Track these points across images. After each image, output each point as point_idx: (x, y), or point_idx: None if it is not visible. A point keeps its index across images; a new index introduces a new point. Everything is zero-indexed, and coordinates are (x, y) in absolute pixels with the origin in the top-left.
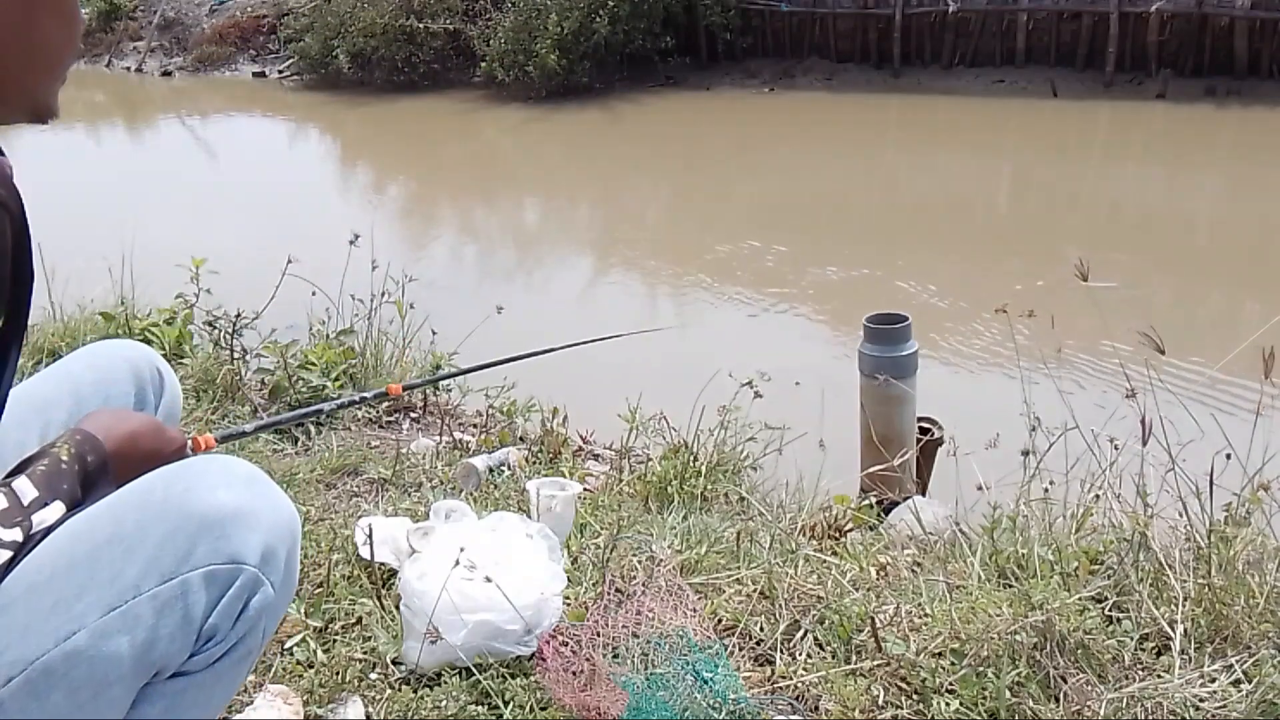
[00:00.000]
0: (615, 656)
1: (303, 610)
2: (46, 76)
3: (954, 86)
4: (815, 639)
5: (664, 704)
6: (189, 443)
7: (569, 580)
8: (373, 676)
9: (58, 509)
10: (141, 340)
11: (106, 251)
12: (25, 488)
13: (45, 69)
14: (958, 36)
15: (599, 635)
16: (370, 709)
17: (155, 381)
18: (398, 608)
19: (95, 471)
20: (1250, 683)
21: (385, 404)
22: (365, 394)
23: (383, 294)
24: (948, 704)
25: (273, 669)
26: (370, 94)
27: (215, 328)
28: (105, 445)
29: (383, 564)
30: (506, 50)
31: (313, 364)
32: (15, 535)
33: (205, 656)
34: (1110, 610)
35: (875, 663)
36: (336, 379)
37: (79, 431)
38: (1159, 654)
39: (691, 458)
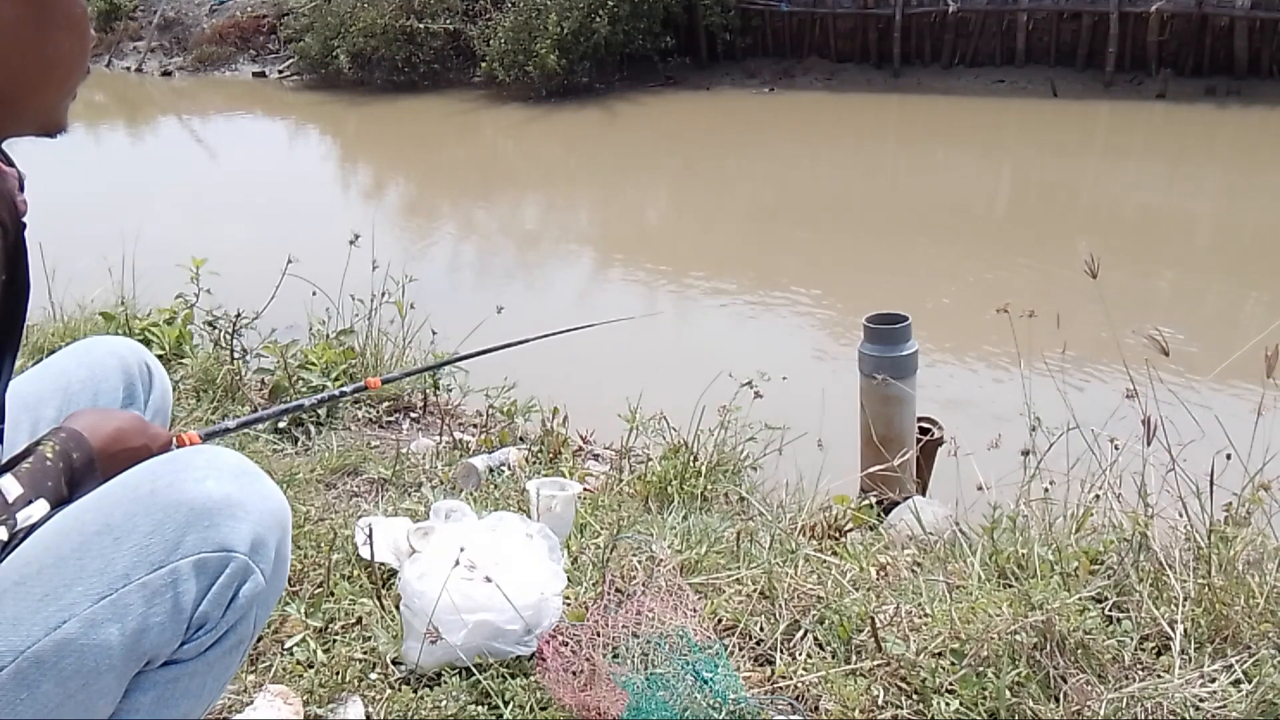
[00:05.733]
0: (615, 656)
1: (303, 610)
2: (59, 92)
3: (954, 86)
4: (815, 639)
5: (664, 704)
6: (174, 440)
7: (569, 580)
8: (373, 676)
9: (42, 506)
10: (141, 340)
11: (106, 251)
12: (10, 485)
13: (58, 84)
14: (958, 36)
15: (599, 635)
16: (370, 709)
17: (144, 377)
18: (398, 608)
19: (81, 469)
20: (1250, 683)
21: (385, 404)
22: (345, 389)
23: (383, 294)
24: (948, 704)
25: (273, 669)
26: (370, 94)
27: (215, 328)
28: (91, 443)
29: (383, 564)
30: (506, 50)
31: (313, 364)
32: (0, 533)
33: (196, 645)
34: (1110, 610)
35: (875, 663)
36: (337, 379)
37: (64, 429)
38: (1159, 654)
39: (691, 458)
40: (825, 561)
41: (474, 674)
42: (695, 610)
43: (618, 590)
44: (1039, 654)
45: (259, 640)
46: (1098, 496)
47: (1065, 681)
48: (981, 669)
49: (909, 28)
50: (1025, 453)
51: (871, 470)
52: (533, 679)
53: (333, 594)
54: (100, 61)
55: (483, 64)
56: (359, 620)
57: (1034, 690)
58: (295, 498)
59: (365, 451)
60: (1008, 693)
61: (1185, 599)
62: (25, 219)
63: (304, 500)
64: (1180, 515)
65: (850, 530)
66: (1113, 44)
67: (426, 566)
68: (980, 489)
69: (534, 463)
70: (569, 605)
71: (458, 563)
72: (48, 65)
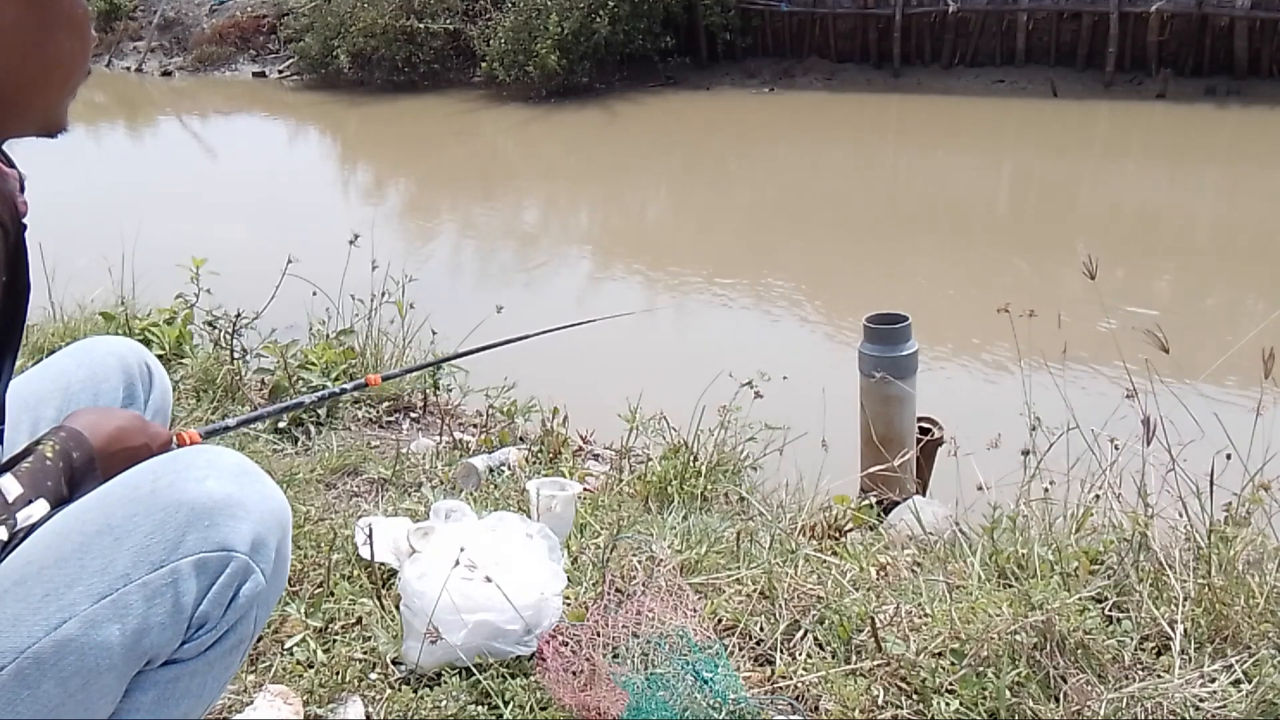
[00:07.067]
0: (615, 656)
1: (303, 610)
2: (60, 92)
3: (954, 86)
4: (815, 639)
5: (664, 704)
6: (174, 438)
7: (569, 580)
8: (373, 676)
9: (42, 506)
10: (141, 340)
11: (106, 251)
12: (10, 485)
13: (60, 85)
14: (958, 36)
15: (599, 635)
16: (370, 709)
17: (145, 377)
18: (398, 608)
19: (81, 468)
20: (1250, 683)
21: (385, 404)
22: (345, 386)
23: (383, 294)
24: (948, 704)
25: (273, 669)
26: (370, 94)
27: (215, 328)
28: (91, 442)
29: (383, 564)
30: (506, 50)
31: (313, 364)
32: (0, 533)
33: (197, 644)
34: (1110, 610)
35: (875, 663)
36: (337, 379)
37: (64, 429)
38: (1159, 654)
39: (691, 458)
40: (825, 561)
41: (474, 674)
42: (695, 610)
43: (618, 590)
44: (1039, 654)
45: (259, 640)
46: (1098, 496)
47: (1065, 681)
48: (981, 669)
49: (909, 28)
50: (1025, 453)
51: (871, 470)
52: (533, 679)
53: (333, 594)
54: (100, 61)
55: (483, 64)
56: (359, 620)
57: (1034, 690)
58: (295, 498)
59: (365, 451)
60: (1008, 693)
61: (1185, 599)
62: (26, 220)
63: (304, 500)
64: (1180, 515)
65: (850, 530)
66: (1113, 44)
67: (426, 566)
68: (980, 489)
69: (534, 463)
70: (569, 605)
71: (458, 563)
72: (49, 66)
